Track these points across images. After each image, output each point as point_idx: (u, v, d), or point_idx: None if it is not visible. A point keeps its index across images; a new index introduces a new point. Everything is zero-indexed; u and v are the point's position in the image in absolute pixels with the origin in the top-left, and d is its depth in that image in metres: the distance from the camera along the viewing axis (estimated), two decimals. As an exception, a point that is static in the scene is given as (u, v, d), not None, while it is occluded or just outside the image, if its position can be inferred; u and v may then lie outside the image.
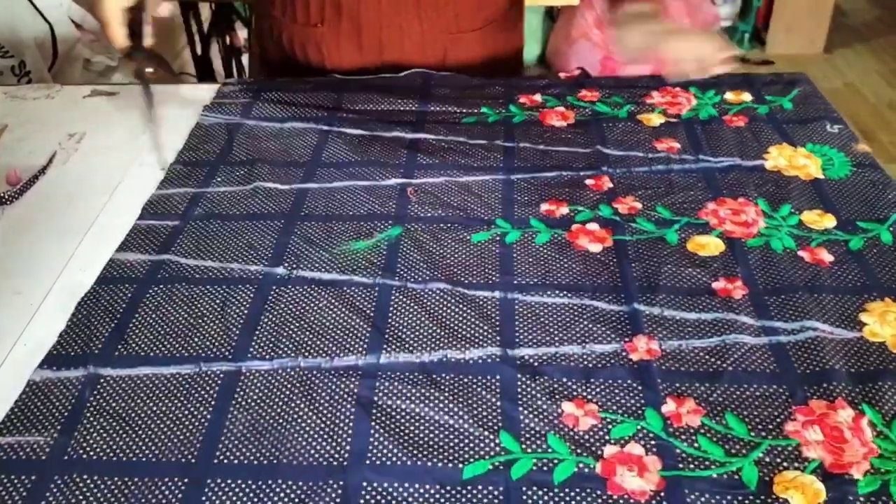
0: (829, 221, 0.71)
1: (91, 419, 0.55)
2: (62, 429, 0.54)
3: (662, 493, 0.48)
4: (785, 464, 0.50)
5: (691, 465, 0.50)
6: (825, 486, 0.48)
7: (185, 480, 0.50)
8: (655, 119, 0.88)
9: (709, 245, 0.69)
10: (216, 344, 0.60)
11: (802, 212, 0.73)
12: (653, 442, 0.52)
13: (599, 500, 0.48)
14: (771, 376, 0.56)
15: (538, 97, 0.92)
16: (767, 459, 0.50)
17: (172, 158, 0.82)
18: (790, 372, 0.56)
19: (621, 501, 0.48)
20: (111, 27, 0.78)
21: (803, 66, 2.74)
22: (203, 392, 0.56)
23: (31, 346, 0.61)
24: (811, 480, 0.49)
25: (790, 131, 0.85)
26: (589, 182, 0.77)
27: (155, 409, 0.55)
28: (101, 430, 0.54)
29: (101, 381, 0.57)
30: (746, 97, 0.92)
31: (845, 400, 0.54)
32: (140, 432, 0.54)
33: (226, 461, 0.52)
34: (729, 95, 0.92)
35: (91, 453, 0.52)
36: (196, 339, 0.61)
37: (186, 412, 0.55)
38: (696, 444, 0.51)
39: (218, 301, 0.64)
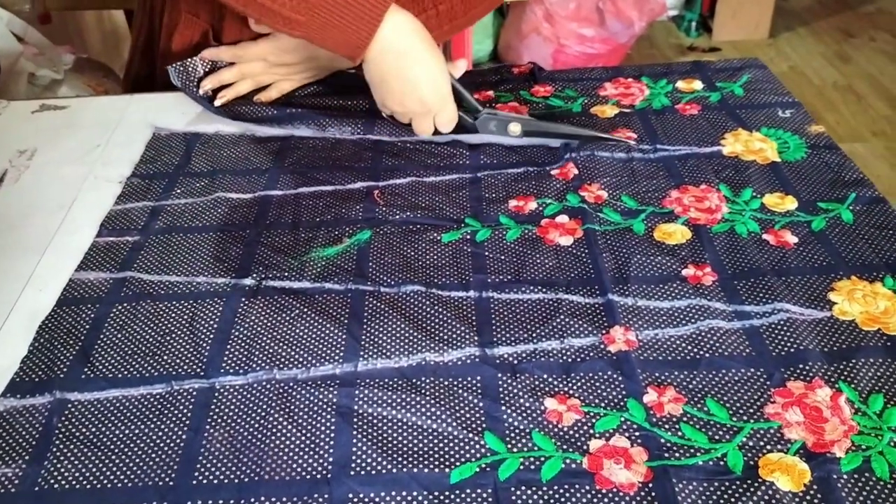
0: (791, 203, 0.72)
1: (61, 447, 0.53)
2: (30, 458, 0.52)
3: (651, 484, 0.48)
4: (768, 447, 0.50)
5: (677, 454, 0.50)
6: (809, 466, 0.49)
7: (165, 504, 0.49)
8: (609, 111, 0.88)
9: (675, 233, 0.69)
10: (187, 361, 0.59)
11: (764, 195, 0.73)
12: (637, 433, 0.52)
13: (589, 496, 0.48)
14: (747, 360, 0.57)
15: (491, 93, 0.92)
16: (751, 443, 0.51)
17: (129, 172, 0.80)
18: (765, 354, 0.57)
19: (610, 495, 0.48)
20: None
21: (750, 52, 2.80)
22: (176, 411, 0.55)
23: (-8, 373, 0.58)
24: (795, 461, 0.49)
25: (744, 116, 0.86)
26: (554, 172, 0.77)
27: (127, 432, 0.53)
28: (73, 458, 0.52)
29: (69, 406, 0.55)
30: (697, 85, 0.93)
31: (822, 379, 0.55)
32: (114, 457, 0.52)
33: (205, 481, 0.50)
34: (681, 84, 0.93)
35: (63, 482, 0.50)
36: (165, 358, 0.59)
37: (161, 433, 0.53)
38: (679, 433, 0.52)
39: (185, 317, 0.62)
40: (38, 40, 1.52)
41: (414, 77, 0.76)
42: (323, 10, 0.70)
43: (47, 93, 1.50)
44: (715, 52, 2.84)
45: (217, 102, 0.87)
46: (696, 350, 0.58)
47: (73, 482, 0.50)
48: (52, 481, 0.50)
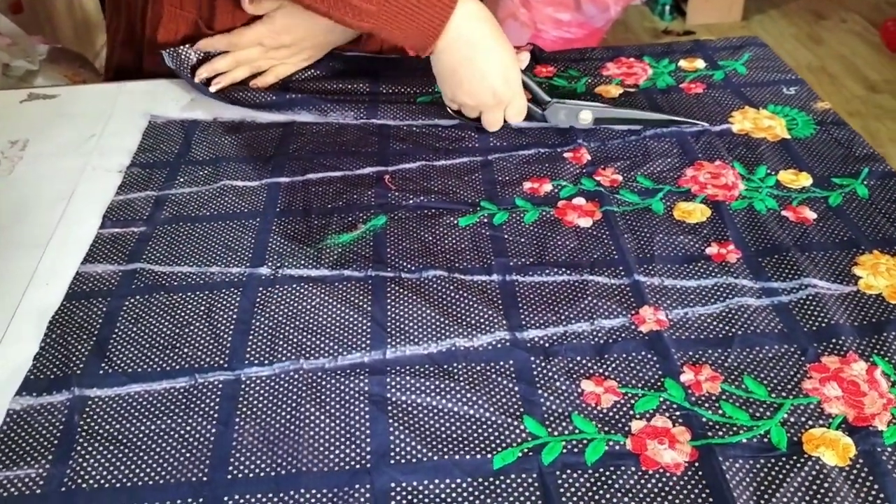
0: (806, 180, 0.72)
1: (85, 445, 0.51)
2: (54, 458, 0.50)
3: (697, 464, 0.48)
4: (810, 422, 0.50)
5: (720, 433, 0.50)
6: (853, 440, 0.49)
7: (200, 501, 0.47)
8: (614, 90, 0.87)
9: (695, 211, 0.69)
10: (208, 353, 0.57)
11: (778, 172, 0.73)
12: (677, 413, 0.51)
13: (636, 477, 0.47)
14: (780, 336, 0.56)
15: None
16: (792, 419, 0.50)
17: (128, 161, 0.77)
18: (797, 330, 0.57)
19: (657, 476, 0.47)
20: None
21: (723, 34, 2.81)
22: (203, 405, 0.53)
23: (6, 371, 0.56)
24: (838, 436, 0.49)
25: (749, 94, 0.86)
26: (567, 155, 0.76)
27: (154, 427, 0.52)
28: (99, 456, 0.50)
29: (89, 402, 0.53)
30: (700, 64, 0.92)
31: (856, 353, 0.54)
32: (142, 454, 0.50)
33: (241, 476, 0.48)
34: (683, 63, 0.92)
35: (91, 482, 0.48)
36: (186, 350, 0.57)
37: (189, 428, 0.51)
38: (720, 411, 0.51)
39: (202, 308, 0.60)
40: (10, 30, 1.47)
41: (487, 68, 0.73)
42: None
43: (23, 84, 1.45)
44: (689, 35, 2.85)
45: (212, 88, 0.85)
46: (727, 328, 0.57)
47: (102, 481, 0.48)
48: (79, 481, 0.48)
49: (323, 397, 0.53)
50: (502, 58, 0.74)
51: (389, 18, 0.70)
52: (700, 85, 0.87)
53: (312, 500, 0.47)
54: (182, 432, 0.51)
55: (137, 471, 0.49)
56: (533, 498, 0.46)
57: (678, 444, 0.49)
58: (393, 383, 0.54)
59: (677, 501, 0.46)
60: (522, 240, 0.66)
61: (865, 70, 2.66)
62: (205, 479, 0.48)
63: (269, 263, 0.64)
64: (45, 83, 1.45)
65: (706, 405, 0.52)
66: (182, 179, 0.75)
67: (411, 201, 0.71)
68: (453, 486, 0.47)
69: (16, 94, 0.88)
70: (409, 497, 0.47)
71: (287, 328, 0.58)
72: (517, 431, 0.50)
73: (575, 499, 0.46)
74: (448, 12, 0.70)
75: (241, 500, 0.47)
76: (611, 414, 0.51)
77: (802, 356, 0.55)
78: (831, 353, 0.55)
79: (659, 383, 0.53)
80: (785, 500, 0.46)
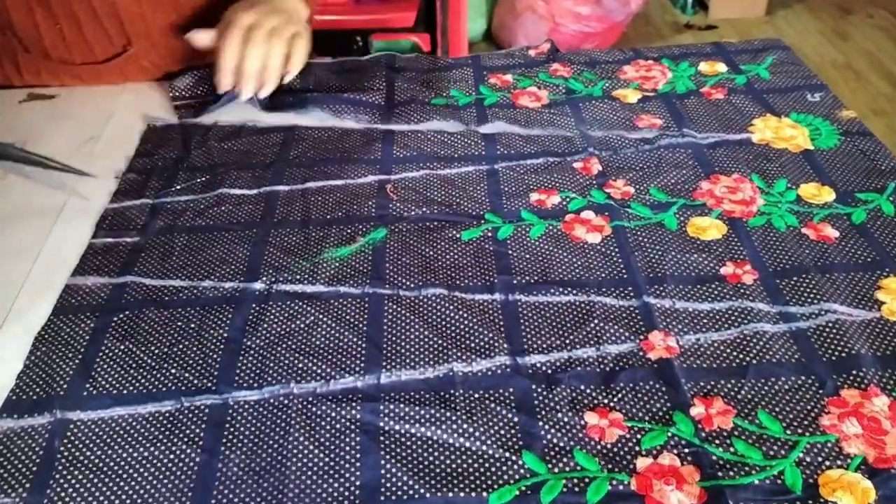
0: (828, 195, 0.69)
1: (64, 472, 0.49)
2: (31, 487, 0.48)
3: (705, 507, 0.45)
4: (827, 462, 0.47)
5: (731, 473, 0.47)
6: (873, 483, 0.46)
7: (180, 536, 0.45)
8: (632, 95, 0.84)
9: (710, 228, 0.65)
10: (196, 374, 0.54)
11: (799, 186, 0.70)
12: (686, 450, 0.48)
13: (640, 520, 0.45)
14: (797, 367, 0.53)
15: (509, 77, 0.88)
16: (808, 459, 0.47)
17: (124, 167, 0.75)
18: (816, 360, 0.53)
19: (663, 519, 0.45)
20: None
21: (747, 30, 2.76)
22: (188, 431, 0.51)
23: (-11, 390, 0.54)
24: (857, 479, 0.46)
25: (771, 101, 0.82)
26: (577, 165, 0.73)
27: (136, 455, 0.49)
28: (77, 485, 0.48)
29: (71, 426, 0.51)
30: (721, 67, 0.89)
31: (877, 386, 0.51)
32: (122, 483, 0.48)
33: (224, 510, 0.46)
34: (703, 66, 0.89)
35: (68, 513, 0.46)
36: (173, 371, 0.55)
37: (172, 456, 0.49)
38: (731, 449, 0.48)
39: (193, 325, 0.58)
40: None
41: None
42: None
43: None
44: (712, 29, 2.80)
45: (263, 93, 0.77)
46: (741, 356, 0.54)
47: (79, 513, 0.46)
48: (55, 512, 0.46)
49: (313, 425, 0.51)
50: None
51: None
52: (721, 90, 0.84)
53: (297, 539, 0.45)
54: (165, 461, 0.49)
55: (116, 501, 0.47)
56: (529, 541, 0.44)
57: (686, 485, 0.46)
58: (387, 411, 0.51)
59: (683, 549, 0.43)
60: (527, 256, 0.63)
61: (892, 66, 2.59)
62: (186, 512, 0.46)
63: (264, 278, 0.62)
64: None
65: (717, 442, 0.49)
66: (179, 187, 0.73)
67: (413, 213, 0.68)
68: (445, 526, 0.45)
69: (15, 94, 0.86)
70: (399, 537, 0.44)
71: (279, 349, 0.56)
72: (515, 467, 0.48)
73: (574, 543, 0.44)
74: None
75: (223, 537, 0.45)
76: (615, 450, 0.49)
77: (821, 389, 0.52)
78: (851, 386, 0.52)
79: (667, 417, 0.50)
80: (799, 549, 0.43)
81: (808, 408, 0.50)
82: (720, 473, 0.47)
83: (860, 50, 2.68)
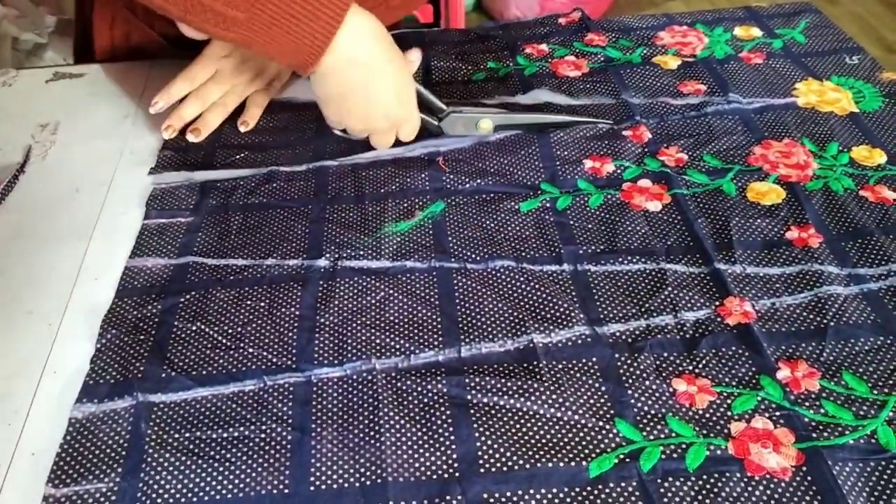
0: (880, 157, 0.69)
1: (155, 456, 0.48)
2: (124, 471, 0.47)
3: (805, 468, 0.46)
4: (918, 420, 0.48)
5: (825, 434, 0.47)
6: (967, 440, 0.46)
7: (285, 515, 0.45)
8: (672, 61, 0.83)
9: (769, 193, 0.65)
10: (275, 353, 0.54)
11: (850, 149, 0.70)
12: (777, 413, 0.49)
13: (742, 484, 0.45)
14: (874, 327, 0.54)
15: (545, 47, 0.87)
16: (899, 418, 0.48)
17: (153, 142, 0.74)
18: (892, 320, 0.54)
19: (765, 482, 0.45)
20: None
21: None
22: (276, 410, 0.50)
23: (63, 374, 0.53)
24: (951, 435, 0.47)
25: (811, 65, 0.82)
26: (627, 133, 0.73)
27: (226, 435, 0.49)
28: (171, 468, 0.47)
29: (155, 409, 0.51)
30: (756, 32, 0.88)
31: (957, 344, 0.52)
32: (216, 464, 0.47)
33: (324, 487, 0.46)
34: (739, 31, 0.88)
35: (167, 496, 0.46)
36: (251, 350, 0.54)
37: (264, 435, 0.49)
38: (822, 410, 0.49)
39: (263, 304, 0.58)
40: (17, 2, 1.42)
41: (380, 92, 0.63)
42: (269, 5, 0.55)
43: (32, 58, 1.41)
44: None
45: (190, 137, 0.74)
46: (819, 319, 0.54)
47: (178, 495, 0.46)
48: (153, 495, 0.46)
49: (401, 400, 0.51)
50: (397, 79, 0.63)
51: (261, 30, 0.56)
52: (759, 55, 0.83)
53: (403, 513, 0.45)
54: (257, 440, 0.49)
55: (214, 483, 0.46)
56: (635, 507, 0.44)
57: (783, 448, 0.47)
58: (472, 384, 0.51)
59: (788, 509, 0.44)
60: (590, 226, 0.63)
61: (882, 30, 2.60)
62: (287, 490, 0.46)
63: (328, 254, 0.61)
64: (56, 57, 1.40)
65: (806, 404, 0.49)
66: (219, 163, 0.71)
67: (468, 185, 0.68)
68: (549, 496, 0.45)
69: (41, 74, 0.84)
70: (505, 508, 0.45)
71: (354, 325, 0.56)
72: (610, 435, 0.48)
73: (679, 508, 0.44)
74: (334, 27, 0.56)
75: (327, 514, 0.45)
76: (707, 415, 0.49)
77: (901, 349, 0.52)
78: (931, 345, 0.52)
79: (754, 381, 0.51)
80: (902, 506, 0.43)
81: (892, 367, 0.51)
82: (814, 435, 0.47)
83: (850, 14, 2.68)
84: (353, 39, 0.59)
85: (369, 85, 0.62)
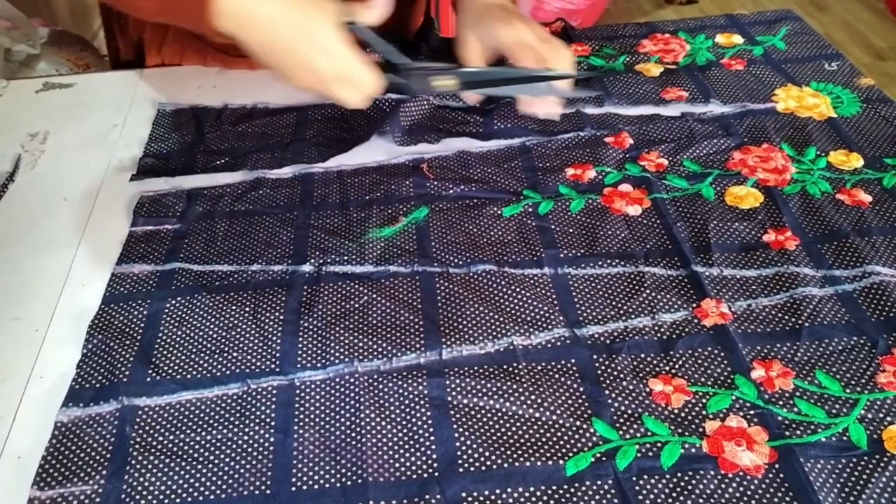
0: (857, 161, 0.70)
1: (140, 458, 0.49)
2: (109, 473, 0.48)
3: (777, 466, 0.46)
4: (889, 418, 0.49)
5: (797, 431, 0.48)
6: (936, 438, 0.47)
7: (266, 515, 0.45)
8: (654, 69, 0.85)
9: (747, 196, 0.67)
10: (259, 357, 0.55)
11: (828, 153, 0.71)
12: (752, 412, 0.50)
13: (716, 481, 0.46)
14: (848, 328, 0.55)
15: (528, 55, 0.88)
16: (870, 416, 0.49)
17: (140, 152, 0.75)
18: (866, 321, 0.55)
19: (738, 479, 0.46)
20: None
21: (727, 3, 2.78)
22: (259, 413, 0.51)
23: (49, 378, 0.54)
24: (920, 433, 0.48)
25: (790, 71, 0.83)
26: (608, 140, 0.74)
27: (209, 437, 0.50)
28: (155, 470, 0.48)
29: (140, 412, 0.51)
30: (738, 39, 0.90)
31: (928, 344, 0.53)
32: (200, 466, 0.48)
33: (305, 487, 0.47)
34: (720, 38, 0.90)
35: (151, 498, 0.47)
36: (235, 354, 0.55)
37: (246, 437, 0.50)
38: (795, 409, 0.50)
39: (248, 309, 0.58)
40: (9, 13, 1.43)
41: (287, 46, 0.59)
42: None
43: (25, 69, 1.41)
44: (693, 4, 2.81)
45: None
46: (794, 320, 0.55)
47: (161, 496, 0.47)
48: (137, 497, 0.47)
49: (382, 402, 0.51)
50: (306, 32, 0.59)
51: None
52: (740, 61, 0.85)
53: (382, 513, 0.45)
54: (240, 442, 0.49)
55: (197, 485, 0.47)
56: (611, 505, 0.45)
57: (756, 445, 0.47)
58: (453, 385, 0.52)
59: (760, 506, 0.45)
60: (571, 230, 0.64)
61: (871, 37, 2.62)
62: (268, 491, 0.47)
63: (312, 260, 0.62)
64: (48, 68, 1.41)
65: (780, 403, 0.50)
66: (199, 169, 0.72)
67: (451, 191, 0.69)
68: (527, 494, 0.46)
69: (31, 84, 0.85)
70: (483, 507, 0.45)
71: (337, 329, 0.56)
72: (587, 435, 0.49)
73: (654, 505, 0.45)
74: None
75: (308, 514, 0.45)
76: (683, 414, 0.50)
77: (873, 348, 0.53)
78: (903, 345, 0.53)
79: (729, 380, 0.52)
80: (871, 502, 0.44)
81: (864, 367, 0.52)
82: (787, 433, 0.48)
83: (838, 21, 2.71)
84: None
85: (276, 41, 0.59)
